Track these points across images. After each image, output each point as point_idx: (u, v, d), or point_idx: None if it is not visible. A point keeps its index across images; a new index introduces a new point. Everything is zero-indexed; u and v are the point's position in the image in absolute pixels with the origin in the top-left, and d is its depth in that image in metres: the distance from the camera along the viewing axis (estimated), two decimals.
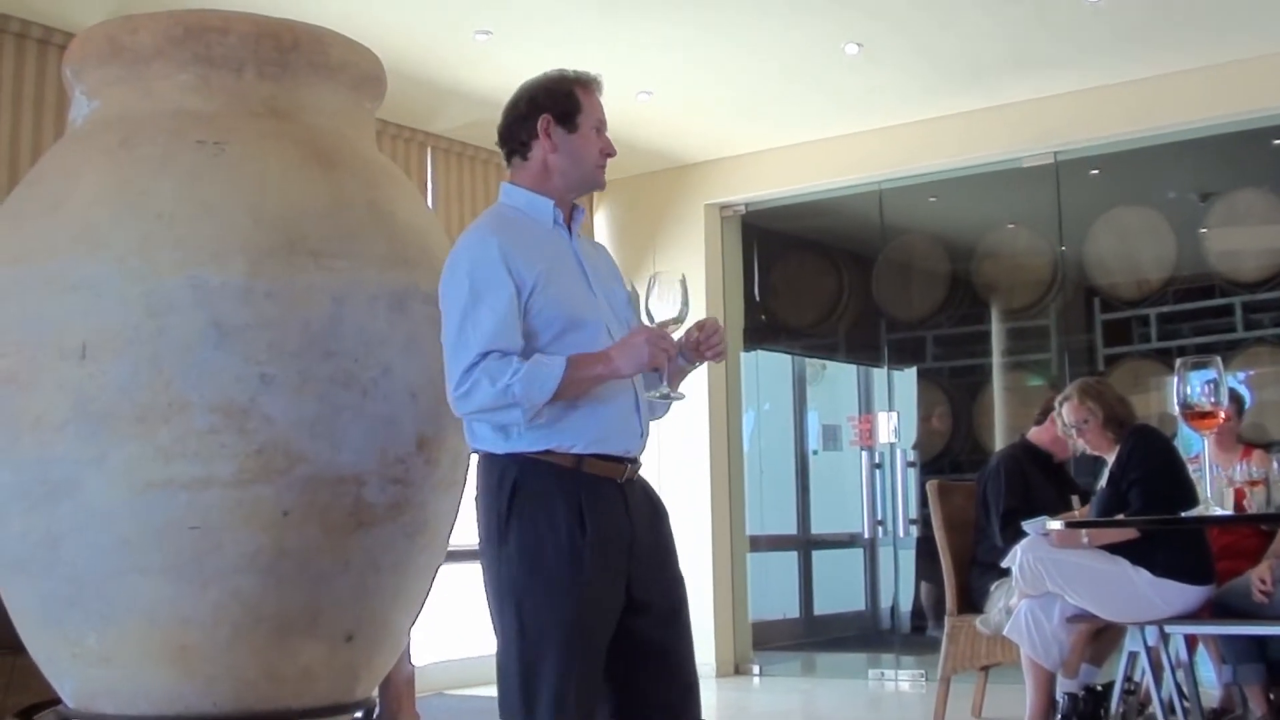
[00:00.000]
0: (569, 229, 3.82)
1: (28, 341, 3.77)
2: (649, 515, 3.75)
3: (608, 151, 3.84)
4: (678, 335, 3.64)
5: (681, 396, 3.73)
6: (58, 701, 4.12)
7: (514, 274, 3.56)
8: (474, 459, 3.74)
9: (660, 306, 3.61)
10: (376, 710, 4.41)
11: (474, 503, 3.70)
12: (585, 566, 3.54)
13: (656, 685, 3.70)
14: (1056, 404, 6.67)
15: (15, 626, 4.04)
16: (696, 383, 9.77)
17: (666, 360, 3.57)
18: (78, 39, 4.30)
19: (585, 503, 3.57)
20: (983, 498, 7.19)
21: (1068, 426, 6.47)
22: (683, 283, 3.66)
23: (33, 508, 3.78)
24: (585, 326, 3.63)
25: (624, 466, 3.67)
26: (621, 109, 8.75)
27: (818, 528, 12.06)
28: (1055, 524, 5.90)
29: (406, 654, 4.92)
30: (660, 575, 3.74)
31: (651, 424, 3.83)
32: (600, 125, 3.82)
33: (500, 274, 3.55)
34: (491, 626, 3.64)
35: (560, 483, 3.58)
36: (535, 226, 3.73)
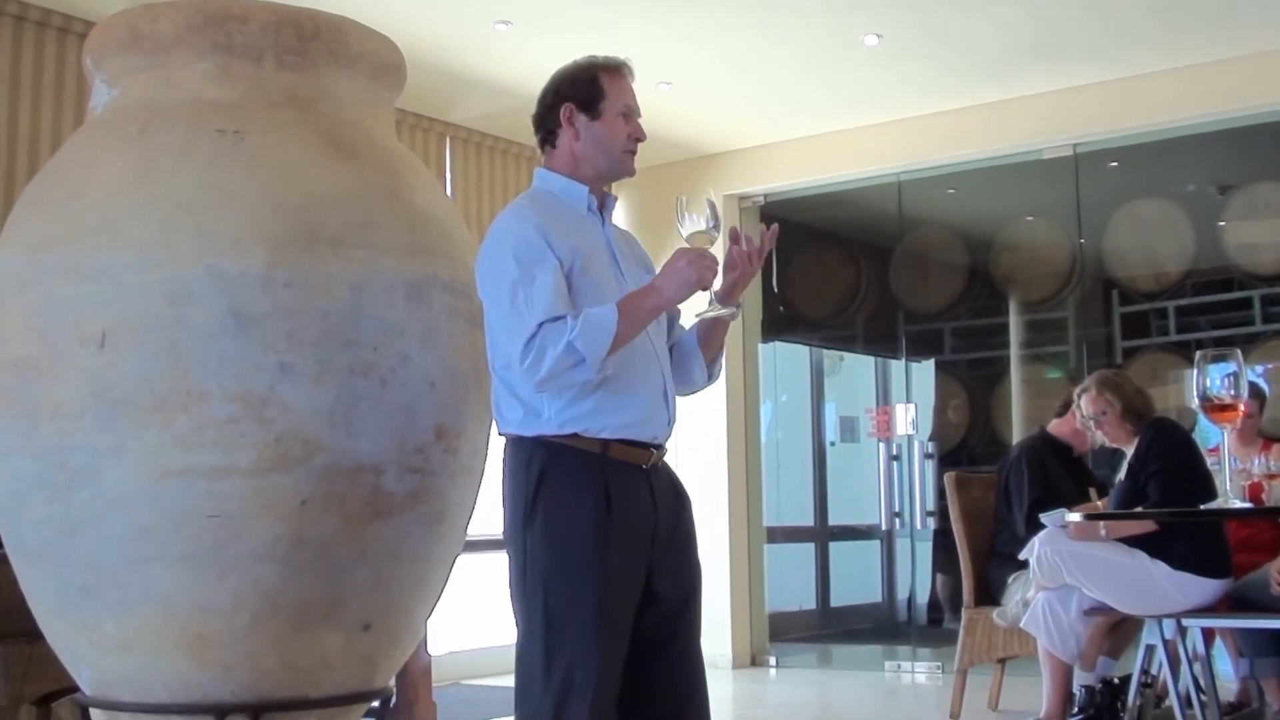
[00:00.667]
0: (602, 216, 3.84)
1: (47, 329, 3.77)
2: (672, 502, 3.78)
3: (636, 136, 3.84)
4: (716, 250, 3.63)
5: (736, 312, 3.74)
6: (75, 689, 4.13)
7: (554, 250, 3.59)
8: (497, 445, 3.76)
9: (691, 227, 3.61)
10: (393, 699, 4.41)
11: (500, 486, 3.71)
12: (612, 550, 3.56)
13: (661, 674, 3.70)
14: (1075, 396, 6.66)
15: (33, 614, 4.05)
16: None
17: (712, 276, 3.57)
18: (98, 27, 4.30)
19: (611, 487, 3.59)
20: (1004, 489, 7.19)
21: (1086, 418, 6.47)
22: (709, 200, 3.64)
23: (52, 496, 3.78)
24: None
25: (650, 453, 3.69)
26: (641, 100, 8.77)
27: (835, 519, 12.07)
28: (1074, 516, 5.89)
29: (424, 644, 4.93)
30: (679, 563, 3.76)
31: (674, 409, 3.83)
32: (628, 111, 3.83)
33: (544, 249, 3.59)
34: (513, 611, 3.66)
35: (586, 467, 3.60)
36: (569, 211, 3.75)
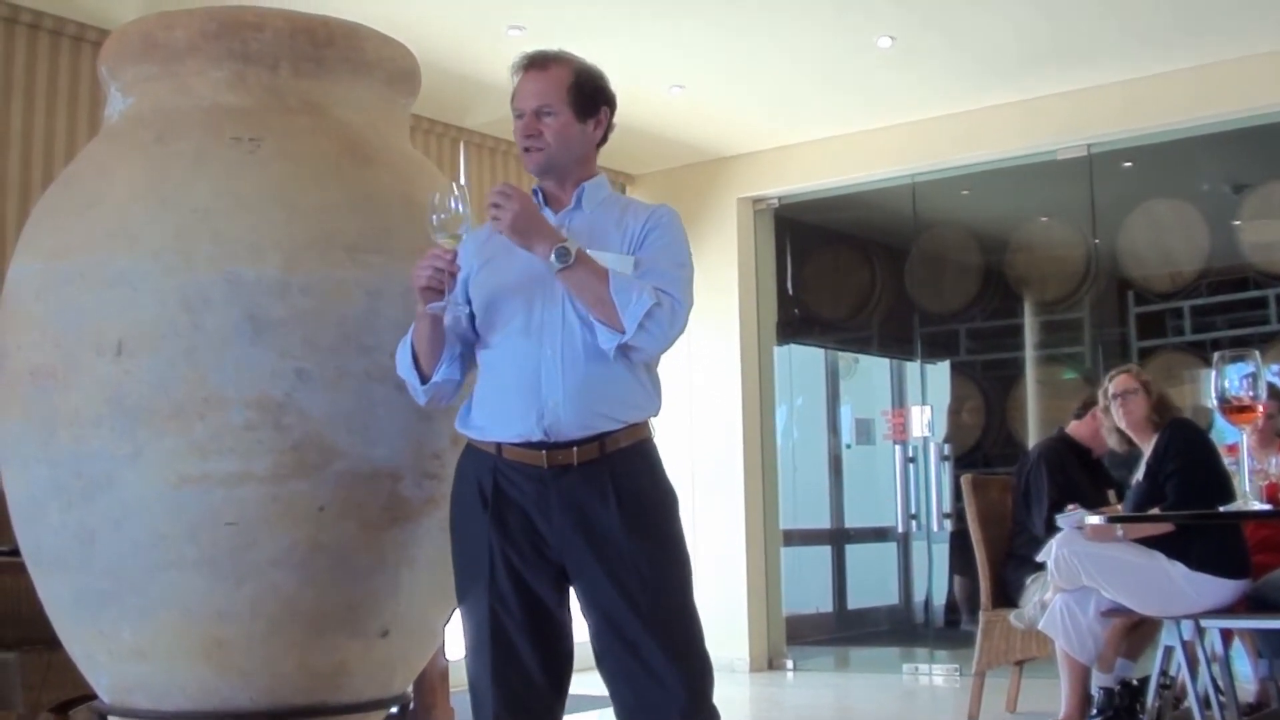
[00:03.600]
0: (556, 208, 3.73)
1: (64, 337, 3.78)
2: (602, 506, 3.53)
3: (519, 138, 3.73)
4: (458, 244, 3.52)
5: (443, 307, 3.52)
6: (93, 696, 4.13)
7: (463, 265, 3.61)
8: None
9: (438, 220, 3.49)
10: (411, 705, 4.41)
11: None
12: (492, 558, 3.54)
13: (611, 682, 3.58)
14: (1105, 380, 6.61)
15: (51, 621, 4.06)
16: (730, 377, 9.83)
17: (428, 275, 3.48)
18: (113, 35, 4.30)
19: (498, 491, 3.55)
20: (1024, 490, 7.18)
21: (1112, 396, 6.39)
22: (459, 190, 3.52)
23: (69, 503, 3.78)
24: (499, 303, 3.61)
25: (540, 454, 3.52)
26: (654, 102, 8.78)
27: (851, 522, 12.06)
28: (1093, 518, 5.88)
29: (441, 649, 4.93)
30: (613, 573, 3.51)
31: (553, 403, 3.55)
32: (519, 112, 3.71)
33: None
34: None
35: (476, 470, 3.60)
36: None
